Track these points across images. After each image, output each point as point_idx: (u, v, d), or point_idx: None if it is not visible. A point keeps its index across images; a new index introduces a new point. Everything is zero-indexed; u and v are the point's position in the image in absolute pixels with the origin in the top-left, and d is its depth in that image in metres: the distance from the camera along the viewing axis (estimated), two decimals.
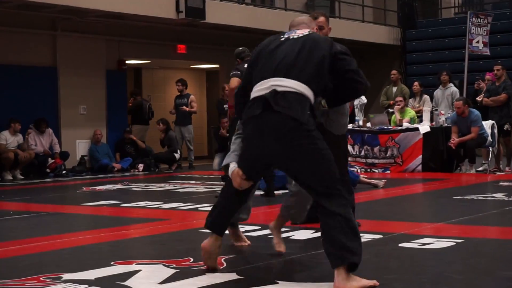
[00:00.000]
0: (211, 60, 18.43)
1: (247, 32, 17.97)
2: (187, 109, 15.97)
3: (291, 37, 4.49)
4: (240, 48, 9.72)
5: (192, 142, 16.34)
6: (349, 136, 13.03)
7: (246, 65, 9.18)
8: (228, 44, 17.05)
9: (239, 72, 9.32)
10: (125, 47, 17.08)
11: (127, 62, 17.42)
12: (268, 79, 4.28)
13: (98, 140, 15.73)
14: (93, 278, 4.55)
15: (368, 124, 13.50)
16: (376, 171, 13.02)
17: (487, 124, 12.33)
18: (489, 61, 16.20)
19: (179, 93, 16.32)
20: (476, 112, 12.11)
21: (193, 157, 16.36)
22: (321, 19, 6.27)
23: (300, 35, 4.48)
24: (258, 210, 8.24)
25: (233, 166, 4.51)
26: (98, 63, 16.36)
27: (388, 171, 12.94)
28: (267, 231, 6.25)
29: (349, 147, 13.10)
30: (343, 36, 17.00)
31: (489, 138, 12.21)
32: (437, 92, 14.21)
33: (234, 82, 9.31)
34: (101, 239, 6.36)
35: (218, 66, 18.73)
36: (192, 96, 16.29)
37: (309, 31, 4.55)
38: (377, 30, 20.77)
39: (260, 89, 4.29)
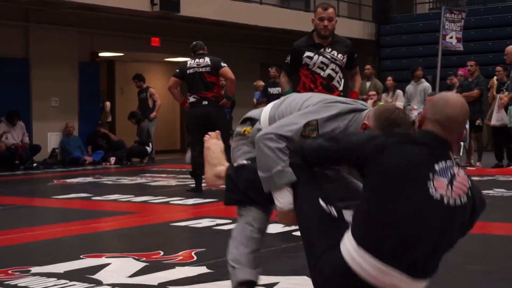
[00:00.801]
0: (185, 53, 18.26)
1: (222, 26, 17.95)
2: (152, 116, 15.87)
3: (457, 205, 2.95)
4: (194, 42, 9.73)
5: (151, 135, 16.17)
6: None
7: (192, 61, 9.27)
8: (202, 38, 17.03)
9: (178, 71, 9.39)
10: (99, 39, 16.98)
11: (100, 54, 17.34)
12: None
13: (70, 132, 15.63)
14: (62, 271, 4.54)
15: None
16: None
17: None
18: (462, 56, 16.31)
19: (138, 89, 16.29)
20: None
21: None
22: (331, 10, 6.58)
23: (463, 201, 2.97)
24: None
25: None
26: (71, 55, 16.25)
27: None
28: None
29: None
30: None
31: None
32: (409, 88, 14.26)
33: (170, 82, 9.43)
34: (71, 232, 6.34)
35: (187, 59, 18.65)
36: (151, 89, 16.19)
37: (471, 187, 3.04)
38: (351, 24, 20.82)
39: None
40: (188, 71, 9.26)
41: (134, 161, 15.69)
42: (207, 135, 3.90)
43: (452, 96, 3.06)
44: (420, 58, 18.46)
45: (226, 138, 9.63)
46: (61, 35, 15.96)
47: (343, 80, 6.82)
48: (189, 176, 9.66)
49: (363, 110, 3.38)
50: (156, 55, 18.95)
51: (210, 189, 9.59)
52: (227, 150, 3.84)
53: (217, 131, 3.96)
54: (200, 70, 9.21)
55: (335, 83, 6.67)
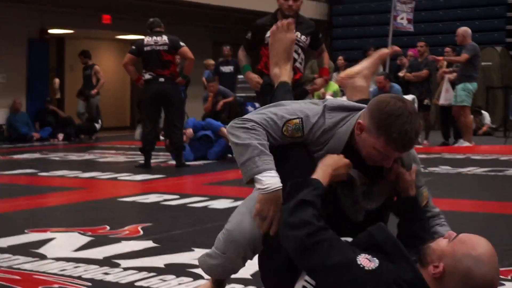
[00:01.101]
0: (137, 31, 18.18)
1: (174, 4, 17.81)
2: (93, 93, 15.64)
3: None
4: (151, 19, 9.66)
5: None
6: None
7: (149, 38, 9.19)
8: (155, 15, 16.85)
9: (134, 48, 9.30)
10: (48, 16, 16.70)
11: (49, 31, 17.08)
12: None
13: (17, 109, 15.37)
14: (5, 245, 4.47)
15: None
16: None
17: (408, 98, 12.51)
18: (413, 37, 16.41)
19: (83, 66, 16.08)
20: (397, 86, 12.29)
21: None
22: None
23: None
24: (179, 180, 8.24)
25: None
26: (20, 31, 15.97)
27: None
28: (185, 200, 6.26)
29: None
30: (271, 9, 16.93)
31: None
32: None
33: (126, 58, 9.35)
34: (16, 207, 6.24)
35: (144, 37, 18.50)
36: (96, 67, 15.91)
37: None
38: (304, 4, 20.52)
39: None
40: (145, 49, 9.22)
41: (82, 138, 15.54)
42: (274, 26, 3.41)
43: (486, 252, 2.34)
44: (371, 38, 18.54)
45: (181, 116, 9.62)
46: (10, 11, 15.65)
47: (304, 62, 6.84)
48: (138, 152, 9.60)
49: (361, 109, 2.80)
50: (107, 33, 18.71)
51: (159, 166, 9.58)
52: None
53: (290, 19, 3.56)
54: (158, 48, 9.17)
55: (297, 64, 6.64)
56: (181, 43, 9.24)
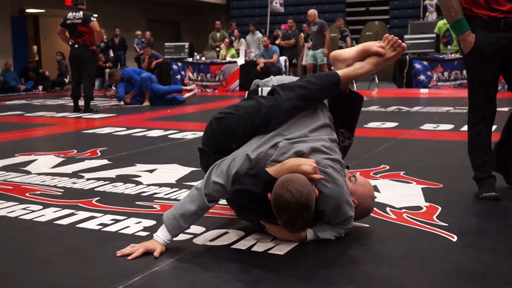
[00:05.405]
0: (88, 9, 17.47)
1: None
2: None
3: None
4: None
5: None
6: (189, 66, 12.98)
7: (70, 14, 8.46)
8: None
9: (62, 21, 8.57)
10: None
11: (27, 10, 16.18)
12: None
13: (8, 68, 14.62)
14: (1, 165, 4.33)
15: (203, 58, 13.41)
16: (209, 90, 13.04)
17: (282, 59, 12.59)
18: (284, 16, 16.40)
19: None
20: (275, 46, 12.38)
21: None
22: None
23: None
24: (125, 117, 8.05)
25: None
26: (4, 11, 15.10)
27: (216, 90, 13.00)
28: (130, 131, 6.15)
29: (190, 74, 13.04)
30: None
31: (283, 69, 12.51)
32: (248, 37, 14.27)
33: (57, 29, 8.68)
34: (9, 138, 6.01)
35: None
36: None
37: None
38: None
39: None
40: (67, 22, 8.42)
41: (56, 89, 14.97)
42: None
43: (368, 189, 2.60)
44: (256, 16, 18.38)
45: (91, 73, 8.59)
46: None
47: None
48: (97, 99, 9.17)
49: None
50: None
51: (112, 108, 9.31)
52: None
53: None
54: (75, 21, 8.36)
55: None
56: (92, 18, 8.35)
